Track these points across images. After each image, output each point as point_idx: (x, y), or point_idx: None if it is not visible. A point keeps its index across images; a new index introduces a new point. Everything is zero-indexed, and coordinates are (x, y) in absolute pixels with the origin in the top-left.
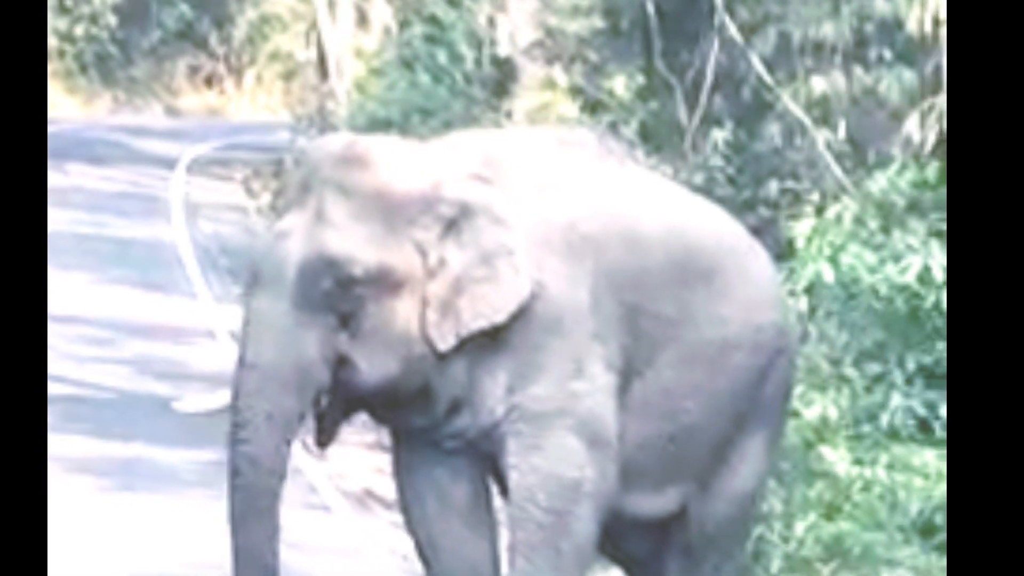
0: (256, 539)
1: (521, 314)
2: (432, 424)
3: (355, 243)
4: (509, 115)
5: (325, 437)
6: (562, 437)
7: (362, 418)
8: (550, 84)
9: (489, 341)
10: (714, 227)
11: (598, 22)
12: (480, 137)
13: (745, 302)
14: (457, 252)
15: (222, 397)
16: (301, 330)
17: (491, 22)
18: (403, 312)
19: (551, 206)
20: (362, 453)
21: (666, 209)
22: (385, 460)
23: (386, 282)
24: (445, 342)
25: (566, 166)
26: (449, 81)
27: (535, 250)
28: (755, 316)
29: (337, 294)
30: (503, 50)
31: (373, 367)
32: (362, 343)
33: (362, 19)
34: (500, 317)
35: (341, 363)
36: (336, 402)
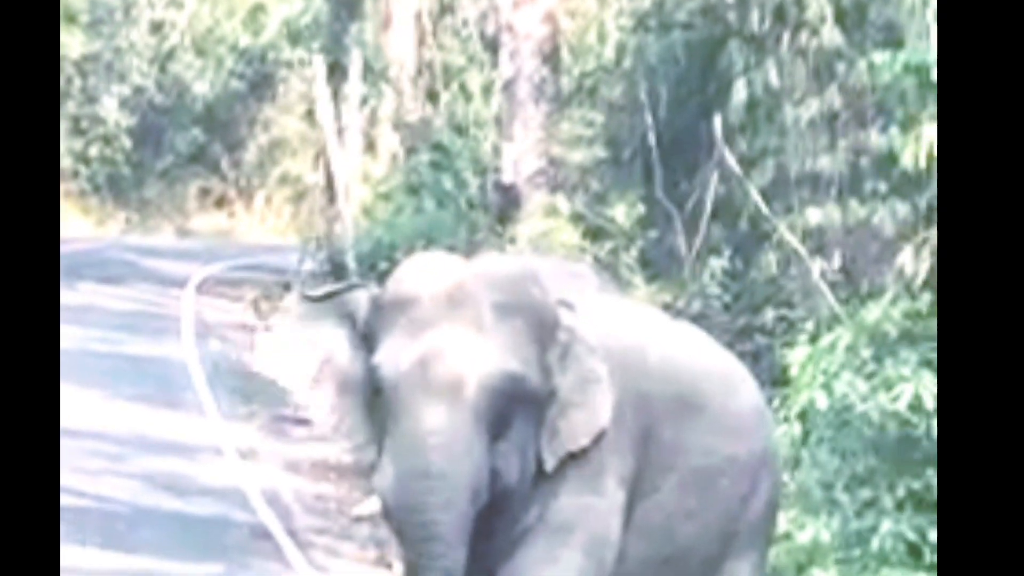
0: None
1: (602, 433)
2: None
3: (520, 362)
4: (512, 241)
5: None
6: (574, 553)
7: (364, 534)
8: (553, 211)
9: None
10: (706, 360)
11: (600, 152)
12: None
13: (728, 433)
14: (562, 377)
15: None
16: (479, 442)
17: (496, 150)
18: (530, 432)
19: (589, 328)
20: (364, 569)
21: (665, 340)
22: None
23: (533, 401)
24: (550, 464)
25: (584, 295)
26: (454, 207)
27: None
28: (736, 447)
29: (508, 410)
30: (507, 177)
31: (502, 485)
32: (502, 461)
33: (370, 145)
34: (586, 441)
35: None
36: None
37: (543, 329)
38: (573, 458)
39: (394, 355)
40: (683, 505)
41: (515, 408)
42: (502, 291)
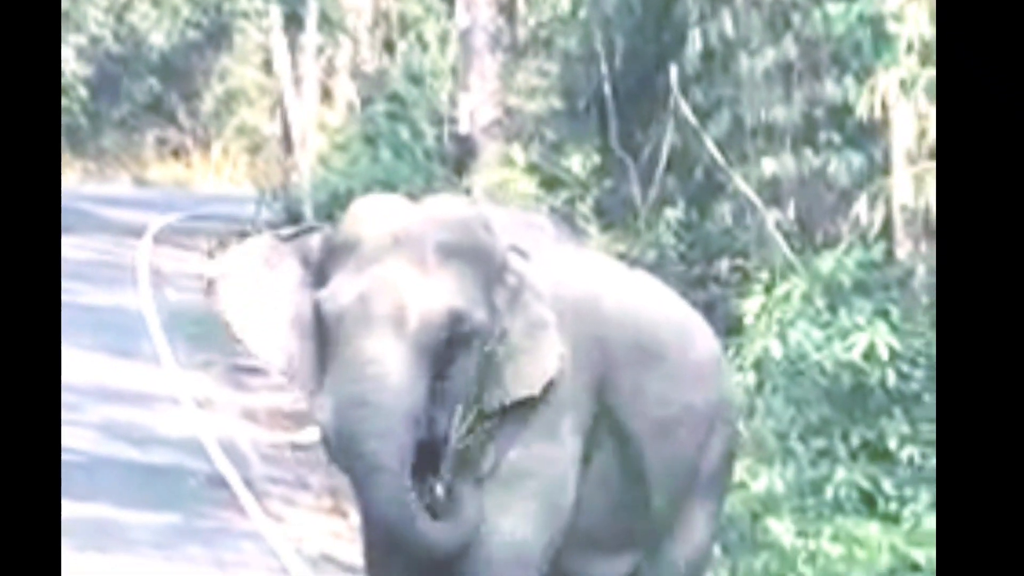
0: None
1: (551, 382)
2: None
3: (465, 300)
4: (468, 191)
5: None
6: (529, 502)
7: (320, 483)
8: (509, 161)
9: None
10: (664, 309)
11: (556, 102)
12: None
13: (685, 383)
14: (511, 321)
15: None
16: (419, 375)
17: (452, 100)
18: (473, 374)
19: (540, 276)
20: (320, 518)
21: (623, 291)
22: (342, 525)
23: (474, 342)
24: (492, 407)
25: (540, 245)
26: (410, 157)
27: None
28: (693, 396)
29: (446, 347)
30: (463, 128)
31: (441, 425)
32: (441, 401)
33: (326, 95)
34: (536, 390)
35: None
36: None
37: (489, 270)
38: (525, 406)
39: (338, 290)
40: (641, 453)
41: (457, 347)
42: (448, 231)
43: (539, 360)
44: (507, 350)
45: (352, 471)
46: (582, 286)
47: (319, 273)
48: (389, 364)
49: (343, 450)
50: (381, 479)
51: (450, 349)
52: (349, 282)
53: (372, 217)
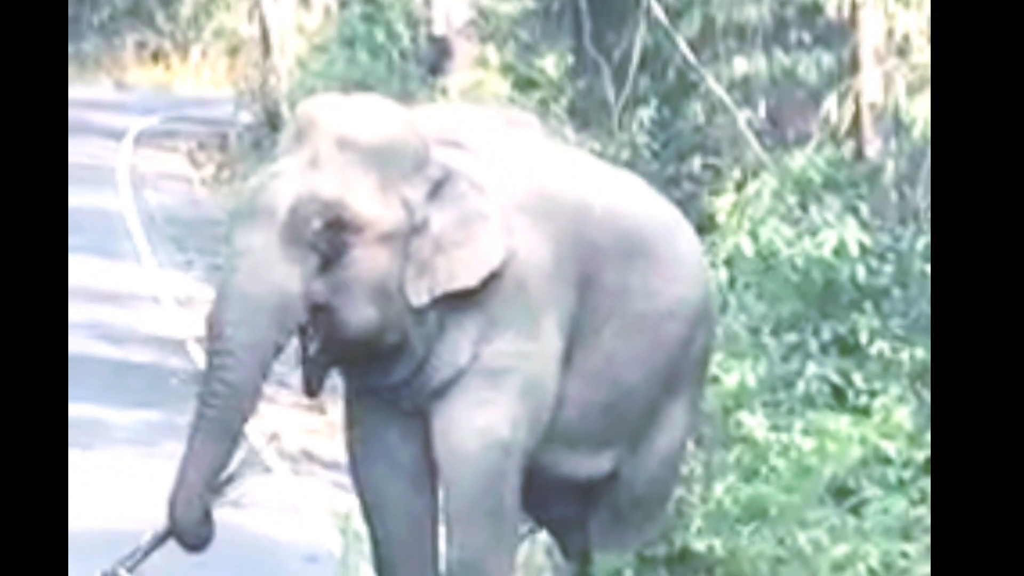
0: (217, 454)
1: (492, 275)
2: (397, 381)
3: (347, 190)
4: (444, 92)
5: (313, 387)
6: (509, 397)
7: (299, 381)
8: (483, 62)
9: (461, 298)
10: (648, 206)
11: (530, 3)
12: (446, 110)
13: (671, 277)
14: (438, 214)
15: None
16: (286, 265)
17: (427, 2)
18: (385, 265)
19: (521, 175)
20: (298, 414)
21: (608, 188)
22: (320, 421)
23: (372, 232)
24: (419, 299)
25: (521, 142)
26: (386, 58)
27: (508, 214)
28: (680, 290)
29: (324, 236)
30: (438, 29)
31: (353, 315)
32: (344, 290)
33: None
34: (472, 281)
35: (322, 309)
36: (318, 351)
37: (400, 164)
38: (502, 299)
39: (244, 190)
40: (626, 350)
41: (345, 237)
42: (350, 128)
43: (477, 252)
44: (434, 243)
45: (207, 356)
46: (567, 184)
47: None
48: (255, 255)
49: (208, 338)
50: (226, 362)
51: (333, 238)
52: (254, 181)
53: (297, 118)
